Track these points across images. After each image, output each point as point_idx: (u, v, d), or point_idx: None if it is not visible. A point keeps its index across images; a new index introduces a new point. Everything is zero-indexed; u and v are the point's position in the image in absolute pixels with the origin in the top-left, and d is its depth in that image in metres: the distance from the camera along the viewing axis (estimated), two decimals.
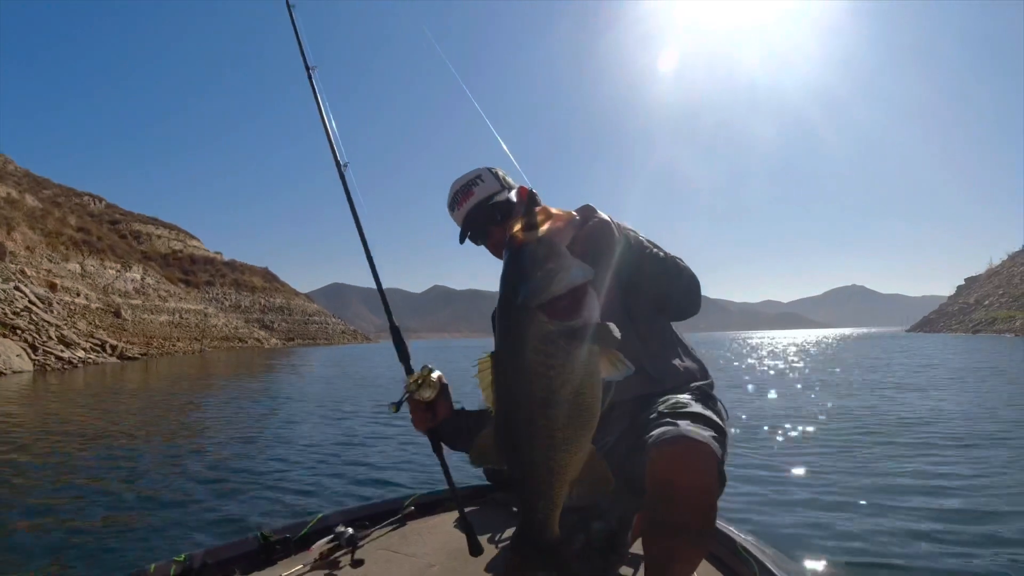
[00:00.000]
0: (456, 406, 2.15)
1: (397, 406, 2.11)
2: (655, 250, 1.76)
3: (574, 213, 1.22)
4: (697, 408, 1.77)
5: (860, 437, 7.87)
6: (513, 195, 2.12)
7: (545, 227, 1.15)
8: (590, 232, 1.23)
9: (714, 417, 1.78)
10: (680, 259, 1.82)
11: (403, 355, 2.30)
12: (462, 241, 2.15)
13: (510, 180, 2.19)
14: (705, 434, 1.61)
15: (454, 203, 2.17)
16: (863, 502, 4.93)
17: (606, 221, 1.28)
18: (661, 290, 1.81)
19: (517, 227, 1.16)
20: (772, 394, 13.43)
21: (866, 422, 9.15)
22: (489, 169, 2.17)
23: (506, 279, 1.16)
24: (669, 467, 1.54)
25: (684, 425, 1.62)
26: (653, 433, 1.63)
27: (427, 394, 2.04)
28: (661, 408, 1.76)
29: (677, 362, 2.01)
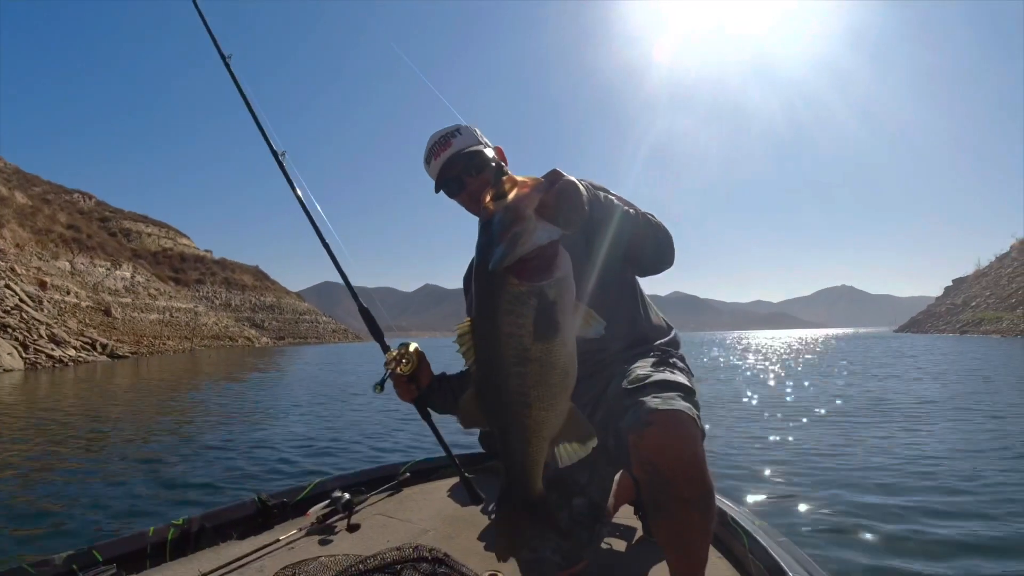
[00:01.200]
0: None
1: (380, 386, 2.14)
2: (626, 207, 1.72)
3: (540, 179, 1.24)
4: (660, 375, 1.77)
5: (843, 422, 8.03)
6: (491, 152, 2.11)
7: (512, 195, 1.18)
8: (556, 193, 1.25)
9: (678, 378, 1.78)
10: (652, 215, 1.81)
11: (377, 334, 2.37)
12: (437, 191, 2.13)
13: (487, 141, 2.17)
14: (676, 402, 1.63)
15: (431, 155, 2.12)
16: (846, 480, 5.06)
17: (571, 181, 1.29)
18: (632, 245, 1.78)
19: (488, 199, 1.20)
20: (761, 387, 13.55)
21: (849, 409, 9.39)
22: (466, 124, 2.15)
23: (479, 248, 1.20)
24: (651, 448, 1.56)
25: (651, 401, 1.63)
26: (626, 419, 1.64)
27: (406, 369, 2.08)
28: (625, 385, 1.75)
29: (643, 317, 2.06)
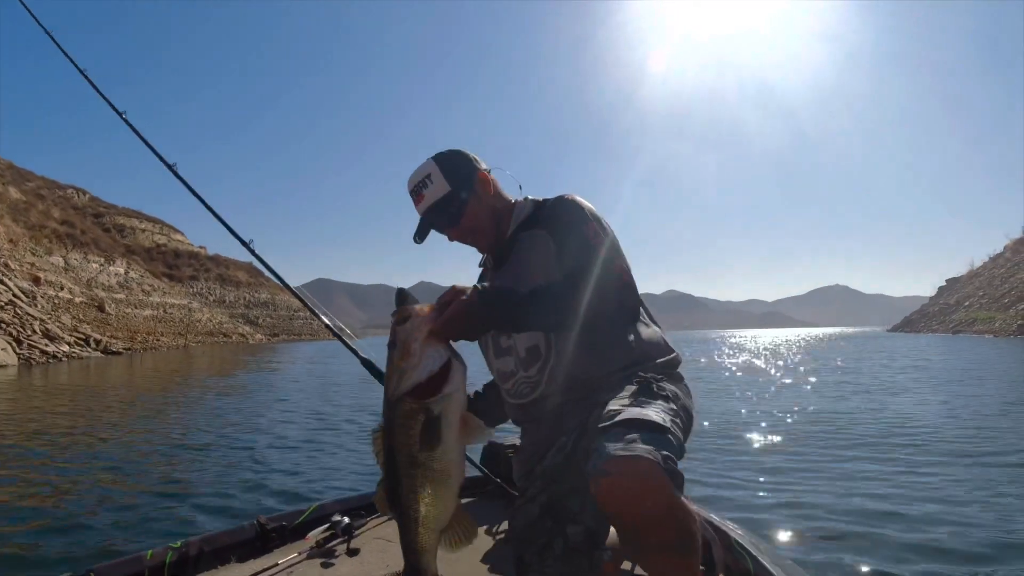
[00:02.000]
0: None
1: None
2: (507, 299, 1.67)
3: (435, 305, 1.50)
4: (631, 411, 1.66)
5: (839, 436, 8.03)
6: (466, 192, 2.04)
7: (406, 324, 1.45)
8: (444, 321, 1.47)
9: (649, 413, 1.66)
10: (529, 297, 1.71)
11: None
12: (418, 241, 2.10)
13: (476, 162, 2.08)
14: (636, 446, 1.53)
15: (412, 200, 2.08)
16: (850, 500, 5.01)
17: (458, 306, 1.49)
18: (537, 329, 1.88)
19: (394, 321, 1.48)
20: (756, 394, 13.60)
21: (845, 422, 9.31)
22: (439, 162, 2.03)
23: (386, 365, 1.48)
24: (610, 500, 1.50)
25: (611, 447, 1.54)
26: (588, 464, 1.58)
27: None
28: (597, 422, 1.69)
29: (635, 341, 1.95)
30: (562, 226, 1.95)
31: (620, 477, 1.48)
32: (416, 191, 2.03)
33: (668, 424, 1.65)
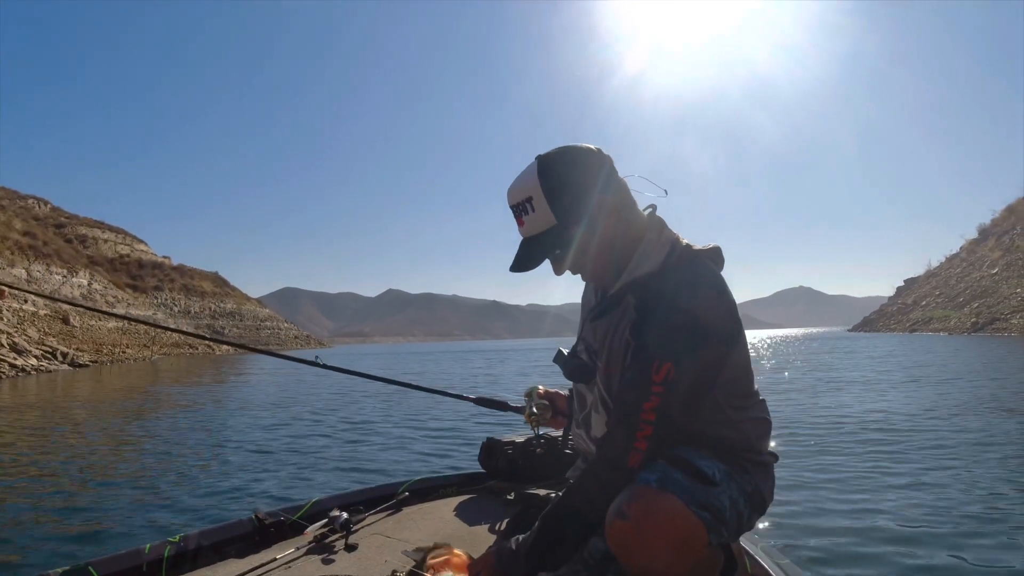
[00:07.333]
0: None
1: (539, 438, 2.62)
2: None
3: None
4: (680, 451, 1.45)
5: (832, 435, 8.04)
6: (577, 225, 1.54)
7: None
8: None
9: (700, 464, 1.42)
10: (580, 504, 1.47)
11: (501, 405, 2.65)
12: (516, 270, 1.57)
13: (598, 177, 1.51)
14: (667, 489, 1.33)
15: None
16: (837, 497, 5.00)
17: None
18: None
19: None
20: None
21: (833, 420, 9.32)
22: (544, 180, 1.48)
23: None
24: (619, 549, 1.33)
25: (646, 476, 1.36)
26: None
27: (548, 415, 2.33)
28: None
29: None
30: (641, 342, 1.47)
31: (638, 526, 1.29)
32: (516, 212, 1.55)
33: (719, 480, 1.43)
